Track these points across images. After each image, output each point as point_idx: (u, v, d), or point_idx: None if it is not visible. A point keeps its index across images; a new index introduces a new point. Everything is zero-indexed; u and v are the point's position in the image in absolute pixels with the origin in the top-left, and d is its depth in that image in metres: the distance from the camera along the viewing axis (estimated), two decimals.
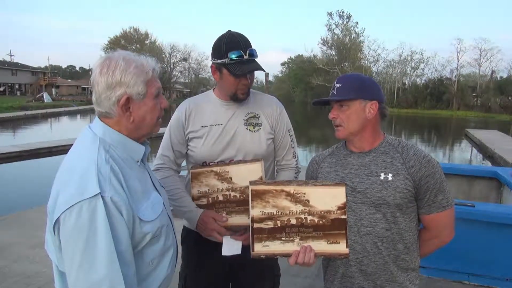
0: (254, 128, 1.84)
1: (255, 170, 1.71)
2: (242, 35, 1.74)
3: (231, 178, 1.74)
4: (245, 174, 1.70)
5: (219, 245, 1.78)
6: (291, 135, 1.97)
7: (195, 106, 1.86)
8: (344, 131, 1.51)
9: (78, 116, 33.71)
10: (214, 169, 1.76)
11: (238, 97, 1.78)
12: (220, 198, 1.77)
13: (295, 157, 1.99)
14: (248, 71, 1.72)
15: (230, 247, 1.76)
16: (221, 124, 1.81)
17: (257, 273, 1.92)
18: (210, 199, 1.78)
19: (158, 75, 1.29)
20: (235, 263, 1.88)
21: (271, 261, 1.93)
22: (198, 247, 1.86)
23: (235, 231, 1.77)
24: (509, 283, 3.38)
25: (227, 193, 1.76)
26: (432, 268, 3.55)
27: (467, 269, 3.50)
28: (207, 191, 1.78)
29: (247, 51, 1.69)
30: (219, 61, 1.71)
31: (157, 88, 1.26)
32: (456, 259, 3.47)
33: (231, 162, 1.77)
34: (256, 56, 1.73)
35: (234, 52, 1.67)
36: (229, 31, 1.75)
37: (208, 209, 1.77)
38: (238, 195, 1.74)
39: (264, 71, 1.78)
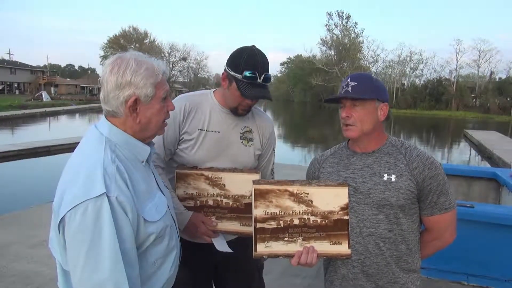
0: (248, 142, 1.84)
1: (251, 181, 1.69)
2: (264, 56, 1.69)
3: (224, 185, 1.73)
4: (240, 183, 1.69)
5: (203, 245, 1.78)
6: (274, 153, 2.02)
7: (194, 106, 1.79)
8: (357, 131, 1.46)
9: (77, 115, 33.61)
10: (205, 173, 1.74)
11: (238, 112, 1.77)
12: (210, 202, 1.75)
13: (272, 174, 2.04)
14: (256, 97, 1.69)
15: (221, 244, 1.77)
16: (219, 132, 1.79)
17: (242, 274, 1.91)
18: (198, 202, 1.77)
19: (167, 78, 1.29)
20: (219, 262, 1.89)
21: (256, 261, 1.94)
22: (182, 249, 1.85)
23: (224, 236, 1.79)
24: (508, 284, 3.38)
25: (219, 199, 1.74)
26: (431, 269, 3.55)
27: (466, 270, 3.51)
28: (195, 194, 1.76)
29: (263, 75, 1.66)
30: (233, 73, 1.67)
31: (165, 91, 1.27)
32: (455, 260, 3.47)
33: (225, 169, 1.75)
34: (269, 81, 1.70)
35: (249, 71, 1.63)
36: (253, 47, 1.70)
37: (195, 211, 1.76)
38: (231, 203, 1.73)
39: (272, 100, 1.76)
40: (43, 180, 8.75)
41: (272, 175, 2.04)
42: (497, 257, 3.40)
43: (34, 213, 5.29)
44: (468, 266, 3.49)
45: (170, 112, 1.83)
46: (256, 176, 1.70)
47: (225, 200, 1.74)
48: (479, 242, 3.42)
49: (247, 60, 1.65)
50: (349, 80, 1.47)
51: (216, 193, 1.74)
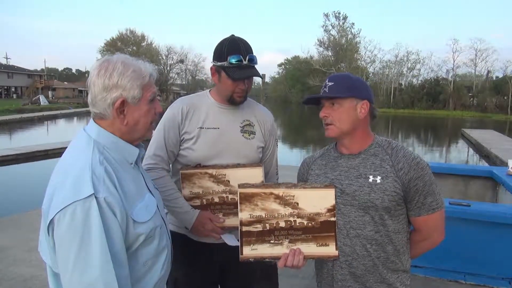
0: (249, 136, 1.87)
1: (255, 175, 1.72)
2: (244, 40, 1.77)
3: (228, 181, 1.76)
4: (244, 178, 1.70)
5: (208, 247, 1.80)
6: (277, 144, 2.05)
7: (192, 106, 1.84)
8: (335, 130, 1.48)
9: (75, 118, 33.56)
10: (209, 171, 1.76)
11: (234, 100, 1.80)
12: (216, 200, 1.78)
13: (277, 164, 2.08)
14: (245, 77, 1.74)
15: (231, 239, 1.78)
16: (218, 128, 1.82)
17: (249, 275, 1.92)
18: (204, 200, 1.79)
19: (155, 80, 1.30)
20: (225, 264, 1.89)
21: (264, 263, 1.95)
22: (187, 249, 1.86)
23: (231, 232, 1.80)
24: (505, 282, 3.40)
25: (224, 195, 1.77)
26: (429, 268, 3.56)
27: (464, 269, 3.52)
28: (201, 192, 1.78)
29: (247, 57, 1.72)
30: (219, 63, 1.74)
31: (152, 93, 1.28)
32: (453, 259, 3.48)
33: (228, 165, 1.78)
34: (256, 63, 1.76)
35: (233, 56, 1.70)
36: (232, 35, 1.77)
37: (203, 210, 1.78)
38: (236, 198, 1.74)
39: (262, 78, 1.81)
40: (41, 184, 8.71)
41: (276, 169, 2.06)
42: (494, 256, 3.41)
43: (32, 216, 5.29)
44: (465, 264, 3.50)
45: (169, 114, 1.86)
46: (259, 170, 1.73)
47: (230, 196, 1.77)
48: (476, 240, 3.43)
49: (229, 47, 1.72)
50: (327, 81, 1.50)
51: (221, 190, 1.77)
